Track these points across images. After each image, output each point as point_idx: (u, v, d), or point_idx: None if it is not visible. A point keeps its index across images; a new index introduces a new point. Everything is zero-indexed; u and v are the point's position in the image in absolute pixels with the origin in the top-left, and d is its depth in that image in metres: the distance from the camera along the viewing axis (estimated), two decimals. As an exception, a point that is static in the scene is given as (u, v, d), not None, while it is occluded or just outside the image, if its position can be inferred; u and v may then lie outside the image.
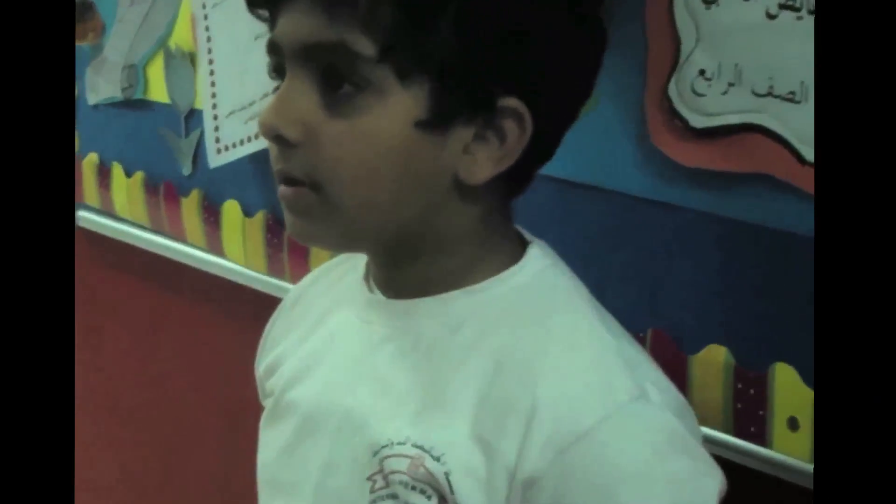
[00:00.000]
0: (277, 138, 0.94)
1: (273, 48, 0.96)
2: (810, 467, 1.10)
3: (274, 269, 1.66)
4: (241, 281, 1.73)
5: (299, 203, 0.95)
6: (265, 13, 0.97)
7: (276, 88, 0.96)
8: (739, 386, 1.13)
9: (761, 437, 1.13)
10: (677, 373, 1.10)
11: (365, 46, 0.90)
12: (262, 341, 1.18)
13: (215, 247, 1.77)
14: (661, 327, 1.18)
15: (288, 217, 0.97)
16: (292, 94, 0.93)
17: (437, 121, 0.92)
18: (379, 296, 1.02)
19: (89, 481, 2.12)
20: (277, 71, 0.96)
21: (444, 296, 0.98)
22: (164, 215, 1.85)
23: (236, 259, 1.74)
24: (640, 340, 1.09)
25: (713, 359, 1.15)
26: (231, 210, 1.72)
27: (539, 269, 0.99)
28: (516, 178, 0.98)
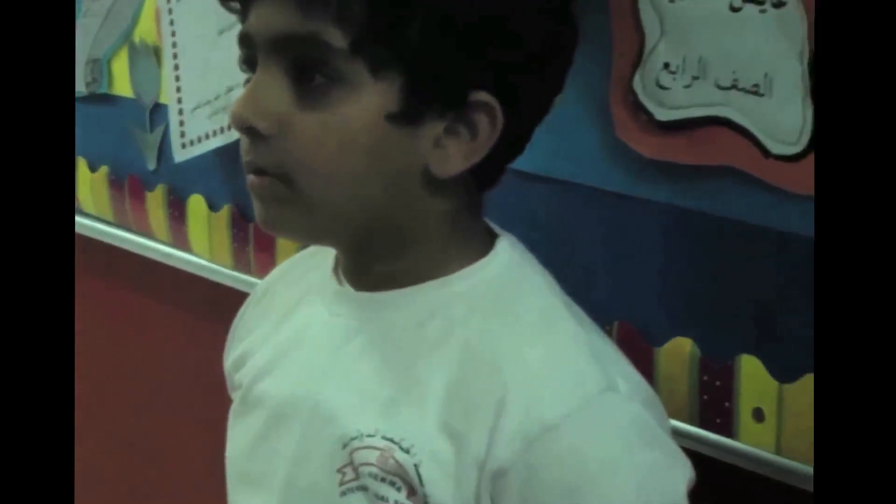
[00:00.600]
0: (249, 130, 0.93)
1: (245, 40, 0.96)
2: (776, 458, 1.11)
3: (240, 264, 1.66)
4: (207, 275, 1.73)
5: (268, 192, 0.95)
6: (236, 5, 0.97)
7: (248, 81, 0.95)
8: (705, 378, 1.14)
9: (727, 429, 1.13)
10: (643, 365, 1.10)
11: (337, 39, 0.90)
12: (230, 334, 1.18)
13: (181, 241, 1.76)
14: (627, 320, 1.19)
15: (257, 206, 0.97)
16: (264, 86, 0.93)
17: (408, 114, 0.92)
18: (348, 288, 1.02)
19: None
20: (249, 63, 0.96)
21: (412, 288, 0.98)
22: (129, 210, 1.84)
23: (202, 254, 1.73)
24: (607, 333, 1.09)
25: (679, 351, 1.15)
26: (196, 204, 1.72)
27: (507, 262, 0.99)
28: (487, 172, 0.98)
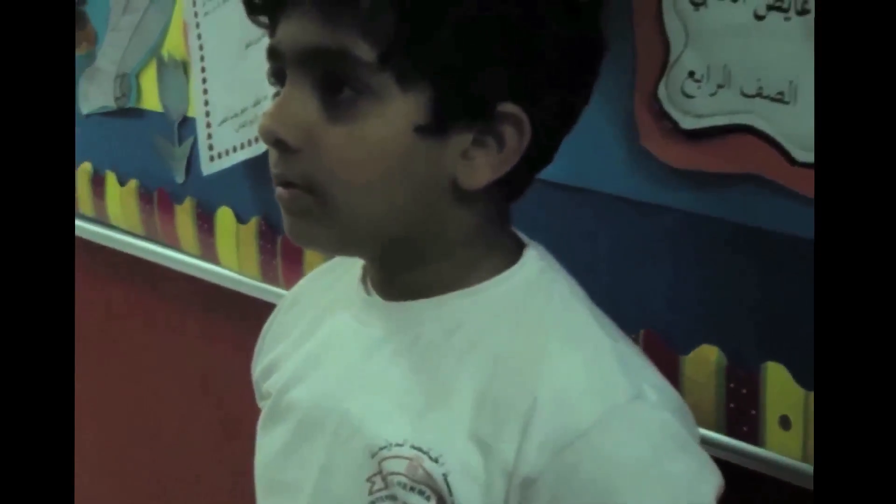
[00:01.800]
0: (277, 143, 0.94)
1: (273, 54, 0.96)
2: (803, 466, 1.10)
3: (268, 276, 1.66)
4: (235, 287, 1.73)
5: (296, 204, 0.95)
6: (265, 19, 0.98)
7: (277, 94, 0.96)
8: (732, 385, 1.14)
9: (754, 437, 1.13)
10: (670, 373, 1.10)
11: (365, 52, 0.91)
12: (258, 343, 1.18)
13: (209, 254, 1.77)
14: (653, 328, 1.19)
15: (286, 219, 0.97)
16: (292, 99, 0.94)
17: (436, 126, 0.93)
18: (376, 297, 1.03)
19: (80, 489, 2.12)
20: (277, 76, 0.96)
21: (441, 297, 0.99)
22: (158, 223, 1.85)
23: (230, 266, 1.74)
24: (633, 341, 1.09)
25: (705, 359, 1.15)
26: (225, 217, 1.72)
27: (536, 271, 1.00)
28: (515, 182, 0.98)
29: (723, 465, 0.98)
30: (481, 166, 0.95)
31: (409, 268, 1.00)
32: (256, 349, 1.19)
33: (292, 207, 0.96)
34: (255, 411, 1.14)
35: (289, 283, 1.56)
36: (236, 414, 1.34)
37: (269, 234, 1.65)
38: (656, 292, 1.18)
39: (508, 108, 0.93)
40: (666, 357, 1.16)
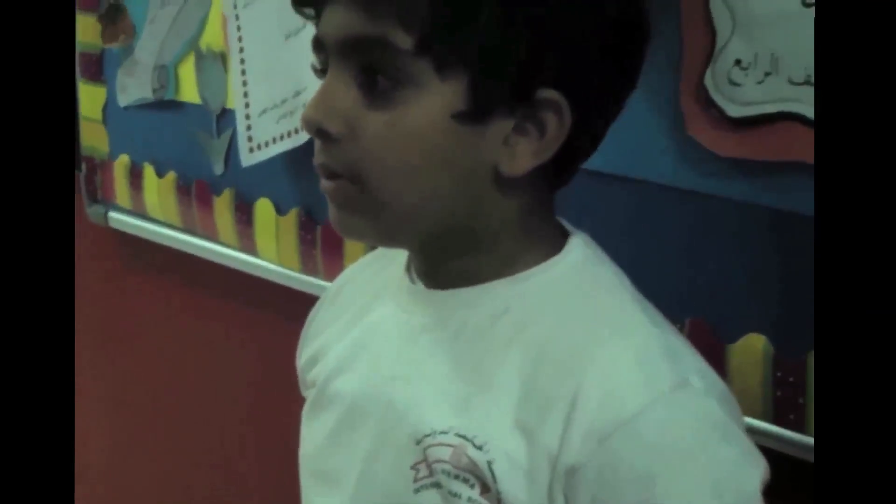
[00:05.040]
0: (319, 132, 0.94)
1: (317, 45, 0.96)
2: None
3: (307, 267, 1.67)
4: (274, 279, 1.74)
5: (340, 195, 0.95)
6: (311, 11, 0.98)
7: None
8: (778, 374, 1.13)
9: (801, 425, 1.13)
10: (716, 362, 1.09)
11: (402, 40, 0.90)
12: (303, 332, 1.18)
13: (248, 246, 1.77)
14: (699, 317, 1.18)
15: (332, 210, 0.97)
16: (334, 88, 0.94)
17: (475, 113, 0.92)
18: (420, 286, 1.03)
19: (120, 481, 2.13)
20: (322, 67, 0.97)
21: (486, 285, 0.98)
22: (196, 215, 1.86)
23: (269, 257, 1.74)
24: (679, 330, 1.08)
25: (752, 347, 1.15)
26: (264, 208, 1.73)
27: (581, 259, 0.99)
28: (558, 170, 0.97)
29: (770, 453, 0.97)
30: (522, 153, 0.94)
31: (452, 257, 0.99)
32: (301, 339, 1.19)
33: (337, 198, 0.96)
34: (296, 403, 1.14)
35: (329, 274, 1.57)
36: (277, 406, 1.34)
37: (308, 225, 1.65)
38: (702, 281, 1.18)
39: (548, 94, 0.93)
40: (712, 346, 1.15)
